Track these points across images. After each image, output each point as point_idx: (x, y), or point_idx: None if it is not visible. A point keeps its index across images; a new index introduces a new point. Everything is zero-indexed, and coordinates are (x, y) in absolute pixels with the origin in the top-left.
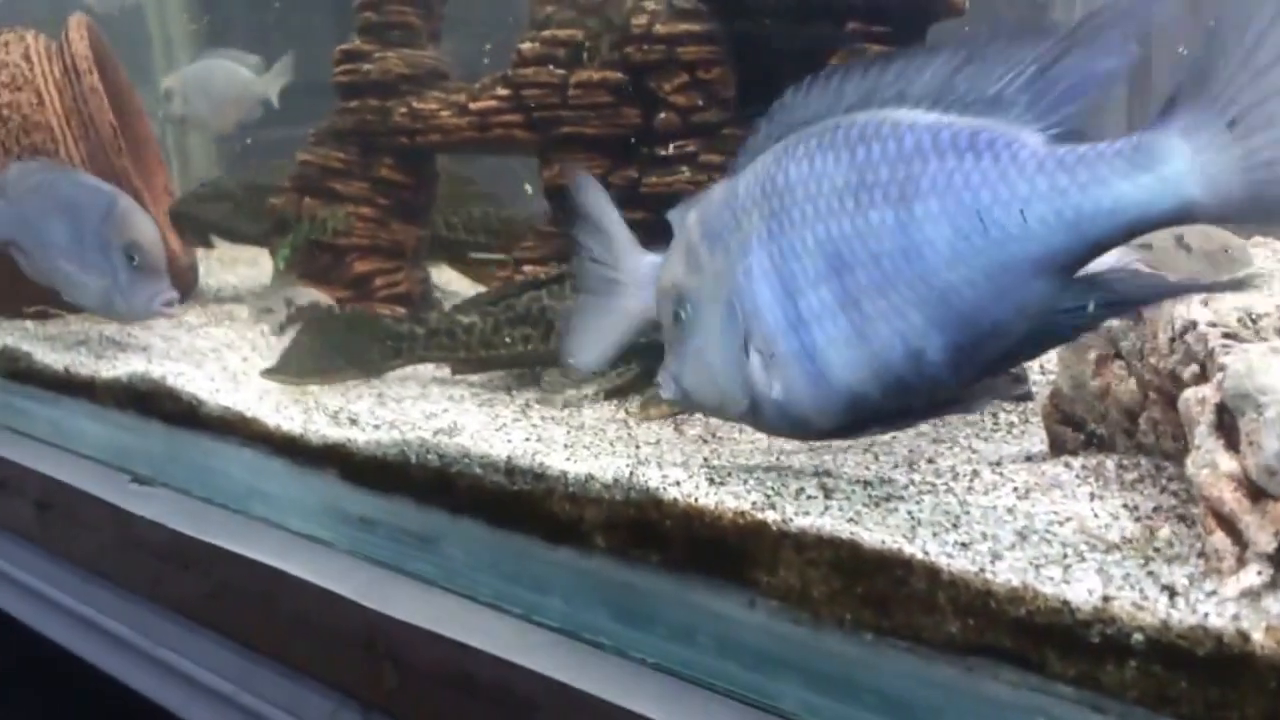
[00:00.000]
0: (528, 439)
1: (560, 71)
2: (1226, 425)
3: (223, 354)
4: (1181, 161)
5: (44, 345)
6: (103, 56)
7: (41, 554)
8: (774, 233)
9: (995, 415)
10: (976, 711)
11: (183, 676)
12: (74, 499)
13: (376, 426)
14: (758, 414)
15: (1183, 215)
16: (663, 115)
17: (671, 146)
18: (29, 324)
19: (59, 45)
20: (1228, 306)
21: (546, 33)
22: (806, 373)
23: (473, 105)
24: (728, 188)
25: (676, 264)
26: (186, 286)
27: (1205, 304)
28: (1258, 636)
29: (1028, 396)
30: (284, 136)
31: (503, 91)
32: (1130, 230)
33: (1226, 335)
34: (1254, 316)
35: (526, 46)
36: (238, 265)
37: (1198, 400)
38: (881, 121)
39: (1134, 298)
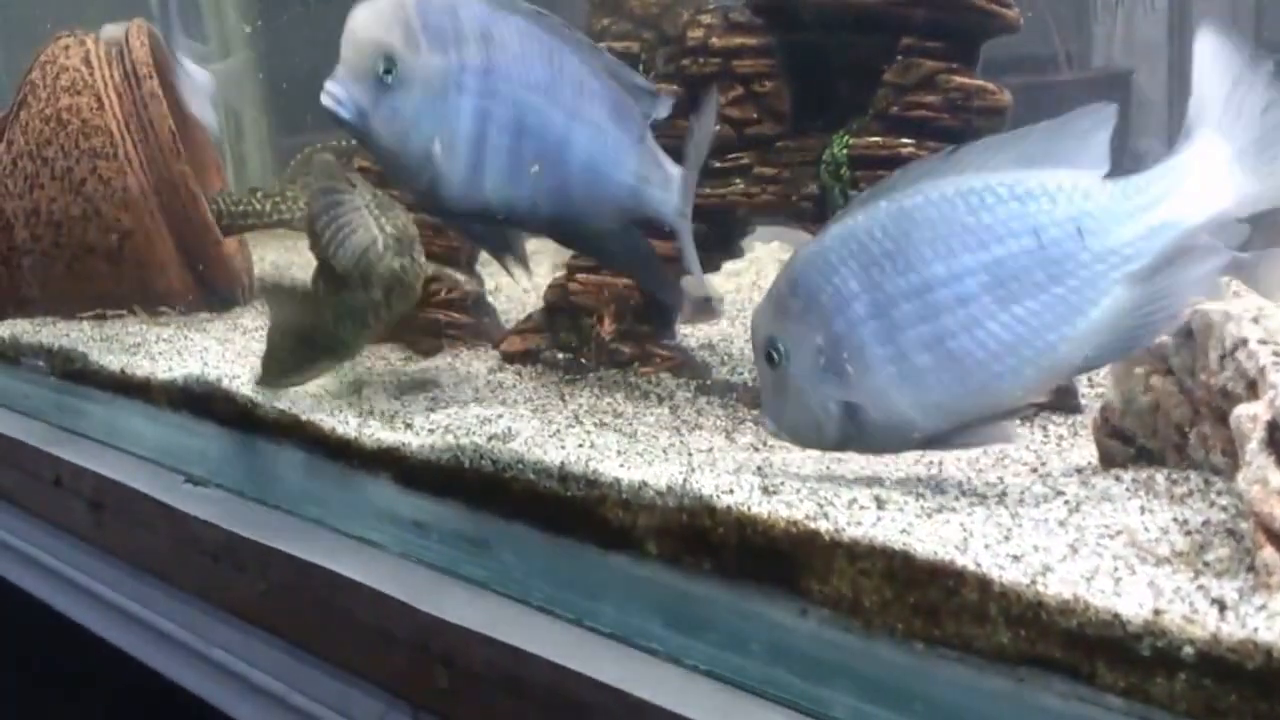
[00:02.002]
0: (581, 445)
1: None
2: (1278, 442)
3: None
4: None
5: (100, 347)
6: (162, 62)
7: (96, 553)
8: (873, 281)
9: (1045, 428)
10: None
11: (234, 676)
12: (128, 498)
13: (431, 431)
14: (852, 448)
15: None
16: (717, 128)
17: (726, 159)
18: (86, 325)
19: (119, 50)
20: (1278, 324)
21: (603, 45)
22: (896, 422)
23: None
24: (820, 244)
25: (768, 311)
26: (244, 291)
27: (1256, 321)
28: None
29: (1077, 409)
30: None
31: None
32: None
33: (1277, 353)
34: None
35: None
36: (292, 269)
37: (1249, 417)
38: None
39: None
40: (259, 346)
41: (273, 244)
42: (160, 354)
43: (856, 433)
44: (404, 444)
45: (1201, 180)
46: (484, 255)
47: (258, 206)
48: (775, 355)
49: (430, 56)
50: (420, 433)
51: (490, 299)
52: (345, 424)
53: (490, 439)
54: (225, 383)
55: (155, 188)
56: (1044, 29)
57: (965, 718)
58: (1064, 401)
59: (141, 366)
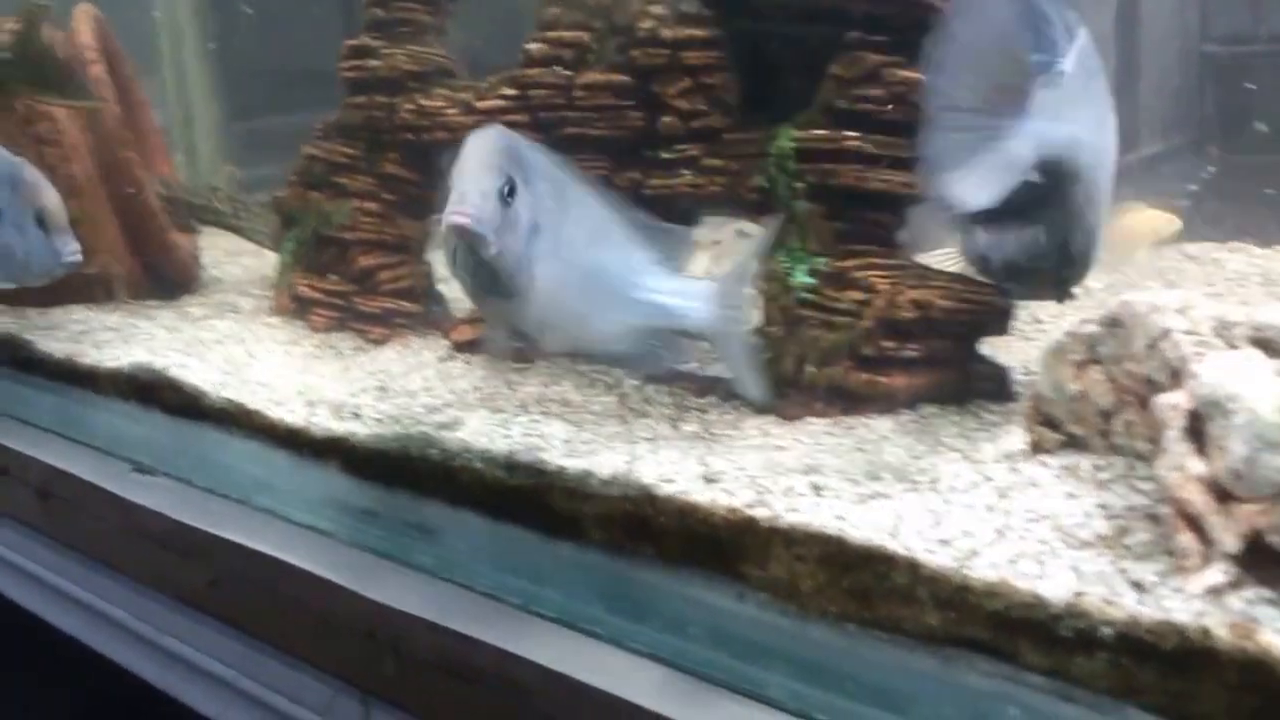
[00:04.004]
0: (527, 434)
1: (567, 73)
2: (1196, 430)
3: (226, 345)
4: None
5: (46, 334)
6: (108, 47)
7: (44, 541)
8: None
9: (980, 415)
10: (953, 699)
11: (184, 662)
12: (76, 487)
13: (379, 420)
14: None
15: None
16: (666, 119)
17: (674, 150)
18: (31, 313)
19: (65, 36)
20: (1202, 315)
21: (553, 34)
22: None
23: (479, 104)
24: None
25: None
26: (192, 278)
27: (1181, 313)
28: (1220, 632)
29: (1011, 396)
30: (284, 124)
31: (509, 91)
32: None
33: (1200, 343)
34: (1227, 325)
35: (534, 47)
36: (242, 256)
37: (1170, 405)
38: None
39: None
40: (207, 335)
41: (224, 230)
42: (107, 342)
43: None
44: (352, 433)
45: None
46: (434, 243)
47: (219, 207)
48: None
49: (532, 185)
50: (368, 422)
51: (441, 288)
52: (293, 413)
53: (438, 428)
54: (173, 371)
55: (101, 175)
56: None
57: (895, 698)
58: (999, 389)
59: (88, 354)
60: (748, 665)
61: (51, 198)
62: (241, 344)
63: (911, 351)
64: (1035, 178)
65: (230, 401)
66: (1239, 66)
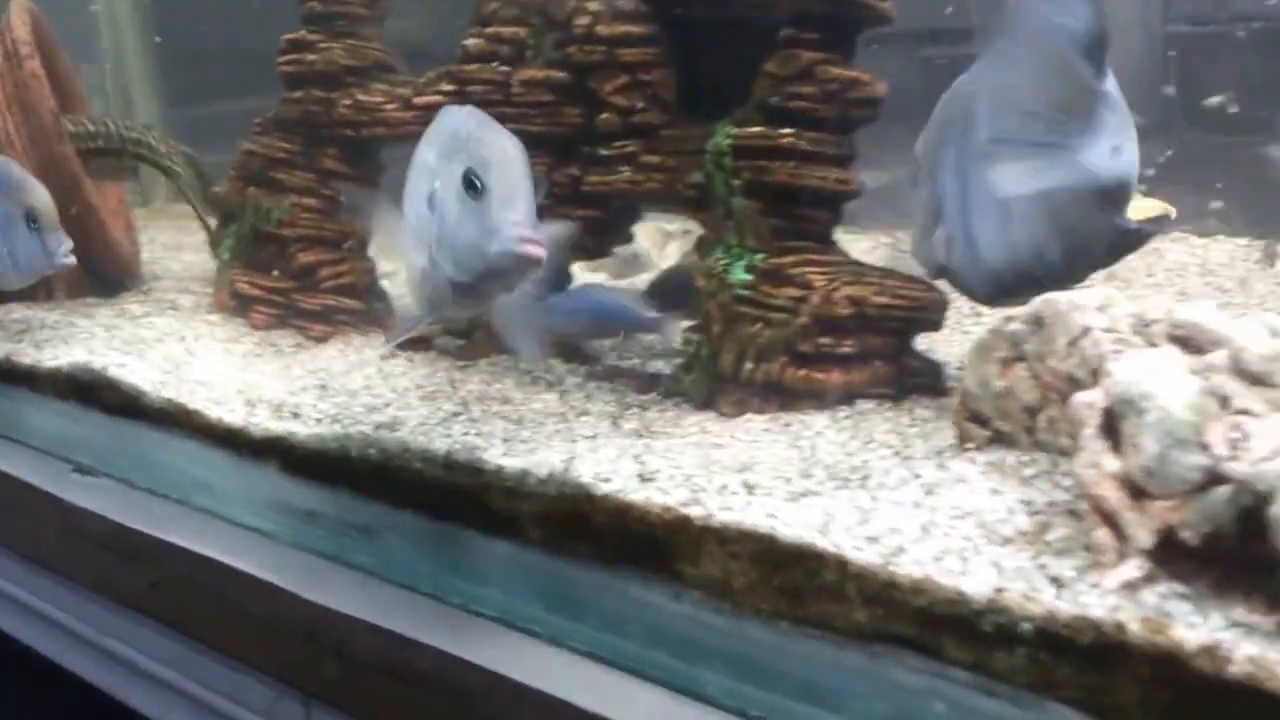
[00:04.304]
0: (467, 433)
1: (504, 68)
2: (1112, 428)
3: (166, 343)
4: None
5: None
6: (44, 41)
7: None
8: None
9: (912, 411)
10: (882, 695)
11: (126, 664)
12: (16, 488)
13: (318, 420)
14: (944, 275)
15: None
16: (604, 115)
17: (612, 146)
18: None
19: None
20: (1122, 312)
21: (490, 29)
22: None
23: (417, 100)
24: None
25: (921, 141)
26: (131, 275)
27: (1101, 310)
28: (1134, 627)
29: (944, 391)
30: (230, 110)
31: (447, 87)
32: None
33: (1118, 341)
34: (1146, 322)
35: (471, 42)
36: (183, 252)
37: (1086, 404)
38: None
39: None
40: (147, 333)
41: (165, 225)
42: (46, 341)
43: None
44: (292, 433)
45: None
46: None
47: (153, 144)
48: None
49: None
50: (308, 422)
51: (384, 283)
52: (233, 412)
53: (377, 428)
54: (112, 371)
55: (38, 170)
56: (962, 2)
57: (826, 693)
58: (933, 384)
59: (28, 354)
60: (684, 663)
61: (41, 196)
62: (181, 342)
63: (847, 348)
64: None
65: (170, 401)
66: (1202, 47)
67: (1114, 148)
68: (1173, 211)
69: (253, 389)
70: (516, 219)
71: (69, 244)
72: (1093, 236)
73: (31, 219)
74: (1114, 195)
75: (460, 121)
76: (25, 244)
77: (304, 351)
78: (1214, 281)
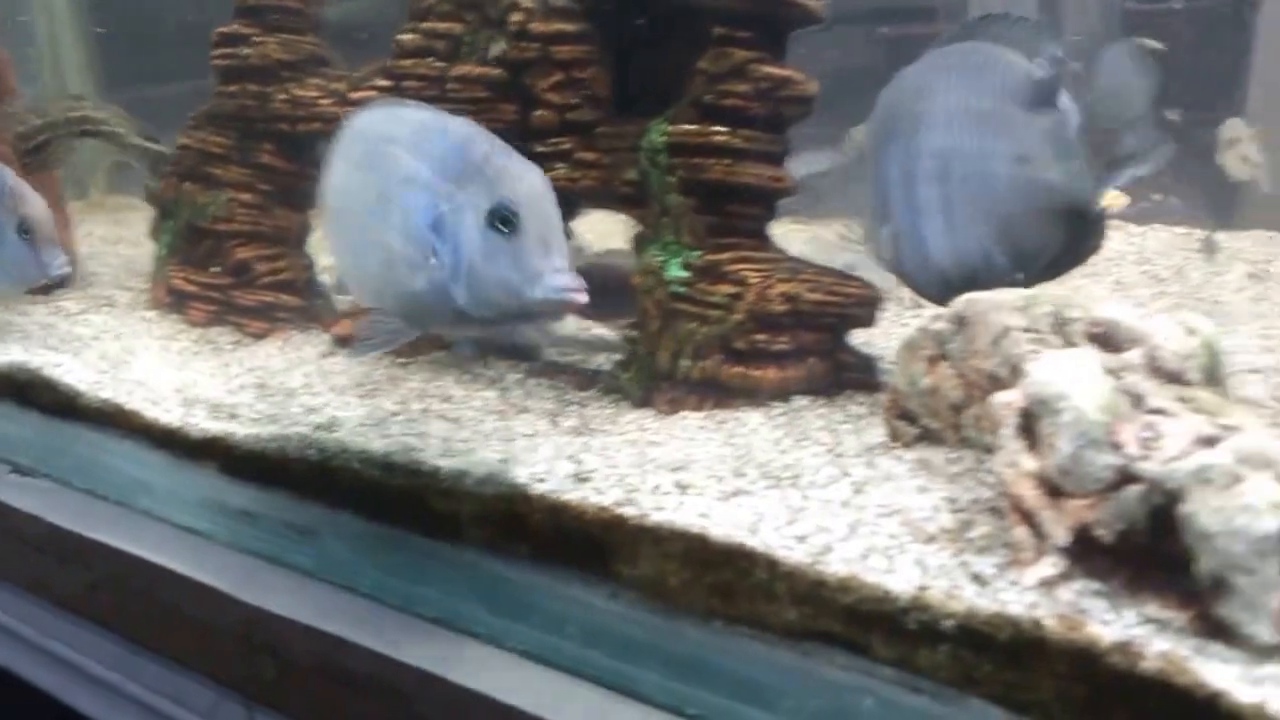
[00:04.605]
0: (405, 433)
1: (439, 64)
2: (1028, 428)
3: (103, 341)
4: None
5: None
6: None
7: None
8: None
9: (846, 408)
10: (813, 692)
11: (69, 665)
12: None
13: (256, 420)
14: (894, 272)
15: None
16: (539, 112)
17: (548, 143)
18: None
19: None
20: (1042, 312)
21: (426, 24)
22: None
23: (352, 95)
24: (903, 73)
25: (869, 127)
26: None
27: (1021, 310)
28: (1050, 624)
29: (878, 387)
30: (169, 94)
31: (382, 82)
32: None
33: (1037, 340)
34: (1064, 321)
35: (406, 38)
36: (120, 245)
37: (1004, 404)
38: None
39: None
40: (84, 331)
41: (101, 218)
42: None
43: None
44: (230, 433)
45: None
46: (314, 236)
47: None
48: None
49: None
50: (245, 422)
51: (324, 278)
52: (170, 413)
53: (315, 428)
54: (48, 370)
55: None
56: None
57: (760, 691)
58: (867, 379)
59: None
60: (621, 662)
61: (36, 206)
62: (118, 340)
63: (782, 344)
64: None
65: (107, 401)
66: (1159, 24)
67: (1065, 159)
68: (1124, 199)
69: (190, 388)
70: (557, 265)
71: (65, 257)
72: (1042, 244)
73: (24, 229)
74: (1065, 204)
75: (463, 137)
76: (14, 253)
77: (242, 349)
78: (1150, 270)
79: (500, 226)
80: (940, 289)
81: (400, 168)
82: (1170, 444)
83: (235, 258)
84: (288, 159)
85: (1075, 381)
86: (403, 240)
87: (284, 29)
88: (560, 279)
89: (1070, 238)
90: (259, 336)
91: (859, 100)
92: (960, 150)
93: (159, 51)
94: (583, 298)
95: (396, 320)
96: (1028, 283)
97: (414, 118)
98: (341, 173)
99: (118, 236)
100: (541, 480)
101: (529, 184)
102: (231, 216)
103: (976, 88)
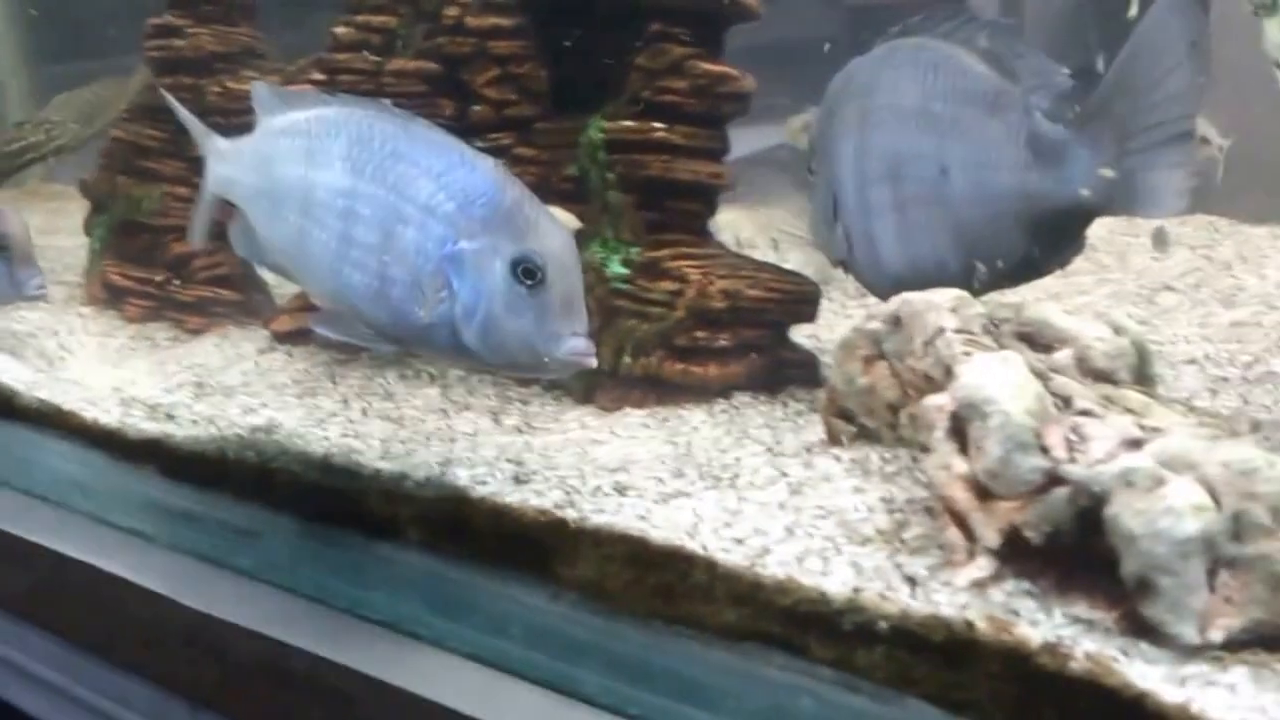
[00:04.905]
0: (345, 435)
1: (375, 58)
2: (959, 431)
3: (39, 338)
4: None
5: None
6: None
7: None
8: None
9: (786, 404)
10: (753, 692)
11: (14, 668)
12: None
13: (194, 422)
14: (847, 269)
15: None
16: (476, 108)
17: (486, 139)
18: None
19: None
20: (973, 313)
21: (360, 18)
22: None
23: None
24: (852, 66)
25: (815, 123)
26: None
27: (954, 311)
28: (981, 625)
29: (819, 382)
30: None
31: (318, 76)
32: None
33: (969, 341)
34: (996, 322)
35: (341, 31)
36: (57, 236)
37: (935, 407)
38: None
39: None
40: (19, 328)
41: (38, 207)
42: None
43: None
44: (168, 435)
45: None
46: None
47: (33, 139)
48: (812, 165)
49: None
50: (184, 424)
51: (262, 271)
52: (108, 413)
53: (253, 430)
54: None
55: None
56: None
57: (700, 690)
58: (809, 375)
59: None
60: (563, 664)
61: (13, 225)
62: (54, 336)
63: (723, 341)
64: None
65: (44, 401)
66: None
67: (1031, 166)
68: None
69: (128, 387)
70: (579, 328)
71: (41, 278)
72: (1001, 251)
73: (2, 247)
74: (1027, 212)
75: (494, 179)
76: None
77: (180, 345)
78: (1093, 258)
79: (524, 278)
80: (894, 291)
81: (419, 192)
82: (1096, 446)
83: (171, 253)
84: None
85: (1003, 385)
86: (407, 267)
87: (217, 20)
88: (579, 343)
89: (1040, 244)
90: (197, 332)
91: (824, 70)
92: (915, 153)
93: (91, 30)
94: (594, 362)
95: (361, 327)
96: (987, 288)
97: (438, 143)
98: (339, 173)
99: (55, 227)
100: (483, 483)
101: (559, 241)
102: (167, 211)
103: (930, 89)
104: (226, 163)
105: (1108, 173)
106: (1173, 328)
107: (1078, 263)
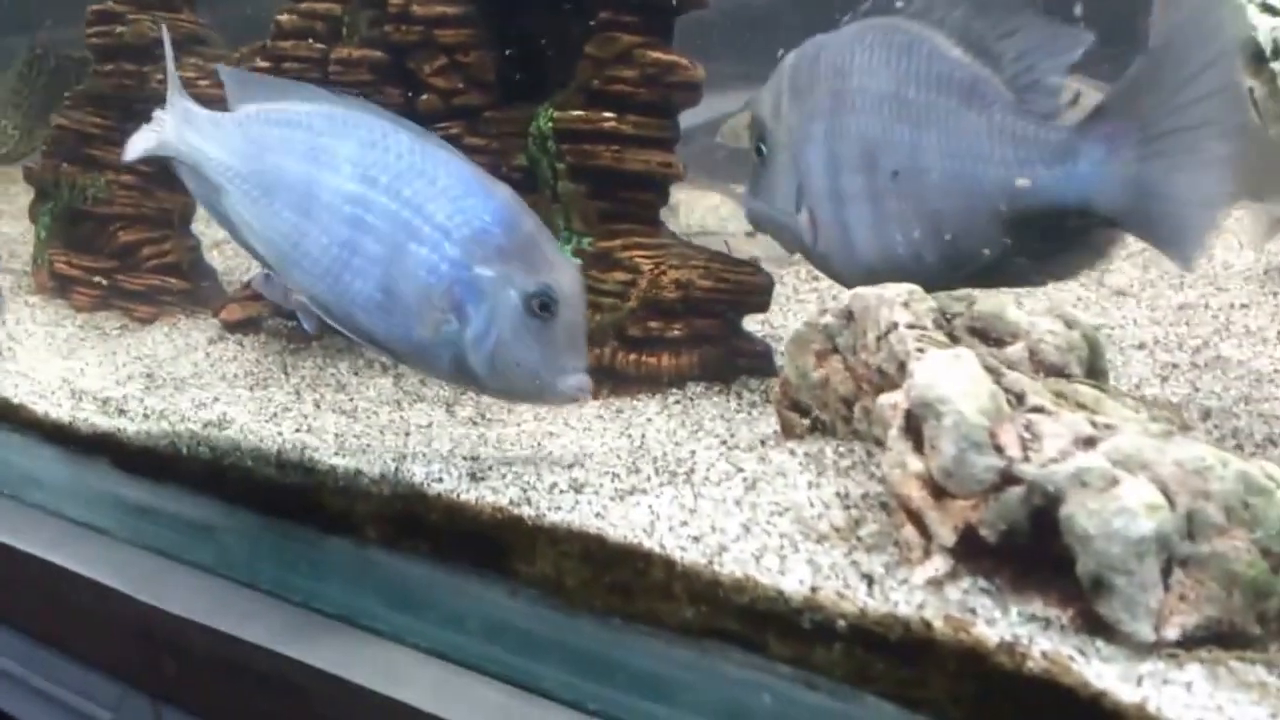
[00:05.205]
0: (298, 430)
1: (320, 46)
2: (914, 429)
3: None
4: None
5: None
6: None
7: None
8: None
9: (740, 395)
10: (711, 688)
11: None
12: None
13: (146, 416)
14: (807, 256)
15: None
16: (424, 97)
17: (435, 128)
18: None
19: None
20: (926, 308)
21: (304, 4)
22: (838, 241)
23: None
24: (818, 44)
25: (766, 101)
26: None
27: (906, 306)
28: (938, 624)
29: (773, 372)
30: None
31: (262, 64)
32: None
33: (922, 336)
34: (949, 316)
35: (284, 18)
36: (0, 221)
37: (890, 405)
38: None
39: None
40: None
41: None
42: None
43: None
44: (120, 429)
45: None
46: (200, 213)
47: None
48: (762, 148)
49: None
50: (135, 418)
51: (213, 255)
52: (59, 407)
53: (205, 425)
54: None
55: None
56: None
57: (659, 686)
58: (763, 365)
59: None
60: (522, 659)
61: None
62: (2, 327)
63: (676, 331)
64: None
65: None
66: None
67: (1012, 162)
68: None
69: (78, 379)
70: (579, 365)
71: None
72: (981, 246)
73: None
74: (1010, 211)
75: (512, 209)
76: None
77: (129, 335)
78: None
79: (538, 311)
80: (864, 281)
81: (435, 211)
82: (1049, 445)
83: (118, 241)
84: None
85: (956, 383)
86: (416, 284)
87: (158, 6)
88: (583, 380)
89: (1026, 246)
90: (146, 321)
91: (784, 38)
92: (889, 141)
93: None
94: (589, 399)
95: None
96: (963, 284)
97: (455, 163)
98: (347, 177)
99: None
100: (439, 480)
101: (571, 278)
102: (112, 199)
103: (903, 74)
104: (199, 132)
105: (1121, 173)
106: (1121, 310)
107: None
